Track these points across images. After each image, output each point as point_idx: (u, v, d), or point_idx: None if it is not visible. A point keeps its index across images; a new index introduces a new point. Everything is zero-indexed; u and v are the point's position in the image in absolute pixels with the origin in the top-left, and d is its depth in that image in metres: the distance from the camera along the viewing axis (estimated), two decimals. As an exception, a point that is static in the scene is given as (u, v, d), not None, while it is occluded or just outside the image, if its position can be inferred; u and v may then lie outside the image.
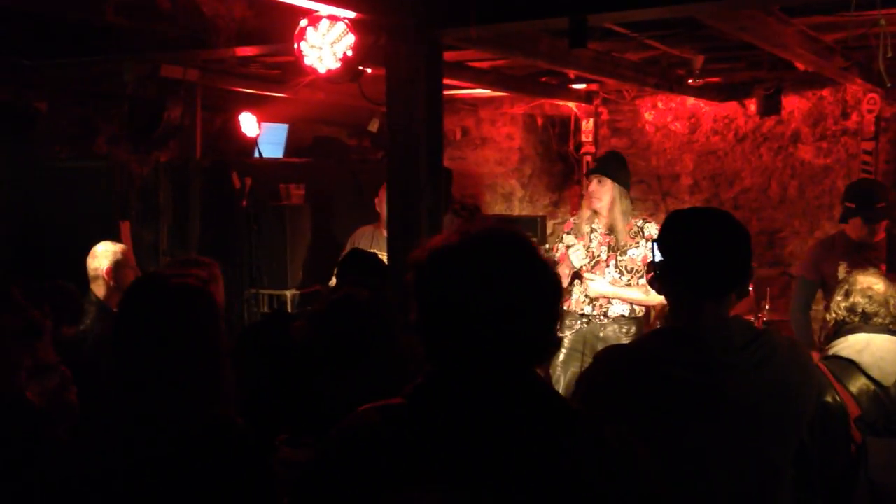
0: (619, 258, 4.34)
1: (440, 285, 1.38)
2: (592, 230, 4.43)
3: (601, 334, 4.38)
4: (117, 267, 4.19)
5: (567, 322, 4.56)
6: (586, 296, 4.41)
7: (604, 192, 4.33)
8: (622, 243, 4.35)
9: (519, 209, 8.71)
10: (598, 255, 4.39)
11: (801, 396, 2.01)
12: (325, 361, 2.16)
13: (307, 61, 3.95)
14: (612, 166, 4.39)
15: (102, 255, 4.20)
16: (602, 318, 4.39)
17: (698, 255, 1.97)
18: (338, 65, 3.89)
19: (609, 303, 4.37)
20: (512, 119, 8.65)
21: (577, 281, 4.45)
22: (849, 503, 2.76)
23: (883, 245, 4.27)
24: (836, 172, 7.32)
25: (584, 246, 4.42)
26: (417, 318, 1.41)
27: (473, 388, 1.35)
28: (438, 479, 1.27)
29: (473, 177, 8.88)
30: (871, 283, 2.97)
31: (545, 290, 1.40)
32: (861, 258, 3.95)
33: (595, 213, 4.44)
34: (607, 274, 4.36)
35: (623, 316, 4.38)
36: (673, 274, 2.00)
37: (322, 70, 3.94)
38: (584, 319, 4.43)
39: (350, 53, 3.86)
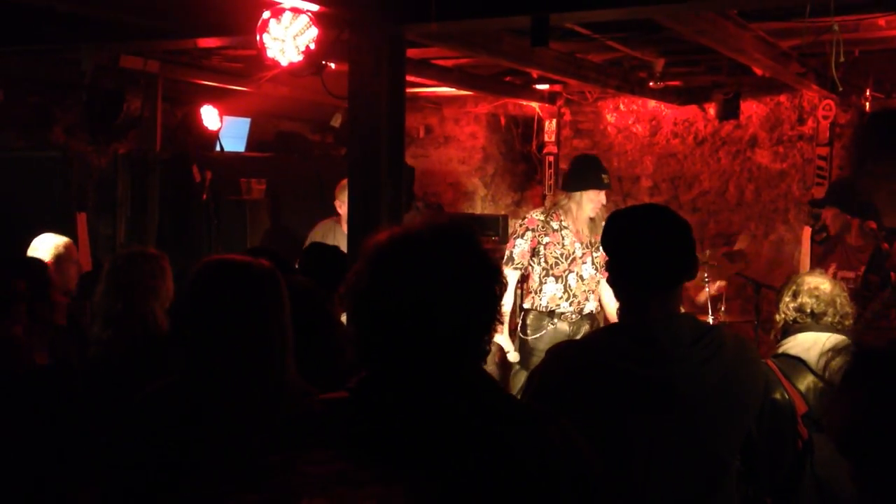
0: (594, 254, 4.42)
1: (382, 280, 1.38)
2: (563, 227, 4.47)
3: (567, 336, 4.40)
4: (59, 261, 3.91)
5: (530, 323, 4.54)
6: (564, 291, 4.44)
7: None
8: (593, 240, 4.45)
9: (481, 208, 8.74)
10: (574, 253, 4.44)
11: (748, 390, 2.05)
12: None
13: (269, 54, 3.92)
14: None
15: (43, 249, 3.93)
16: (577, 315, 4.44)
17: (636, 251, 2.00)
18: (300, 58, 3.87)
19: (586, 299, 4.44)
20: (475, 118, 8.68)
21: (549, 279, 4.46)
22: (795, 498, 2.83)
23: (869, 250, 4.47)
24: (792, 177, 7.46)
25: (556, 243, 4.46)
26: (356, 314, 1.41)
27: (415, 383, 1.36)
28: (377, 473, 1.28)
29: (436, 175, 8.89)
30: (817, 283, 3.03)
31: (487, 284, 1.40)
32: (854, 260, 4.10)
33: (563, 211, 4.48)
34: (584, 270, 4.43)
35: (592, 313, 4.51)
36: (617, 271, 2.03)
37: (284, 63, 3.92)
38: (553, 320, 4.45)
39: (313, 47, 3.84)
